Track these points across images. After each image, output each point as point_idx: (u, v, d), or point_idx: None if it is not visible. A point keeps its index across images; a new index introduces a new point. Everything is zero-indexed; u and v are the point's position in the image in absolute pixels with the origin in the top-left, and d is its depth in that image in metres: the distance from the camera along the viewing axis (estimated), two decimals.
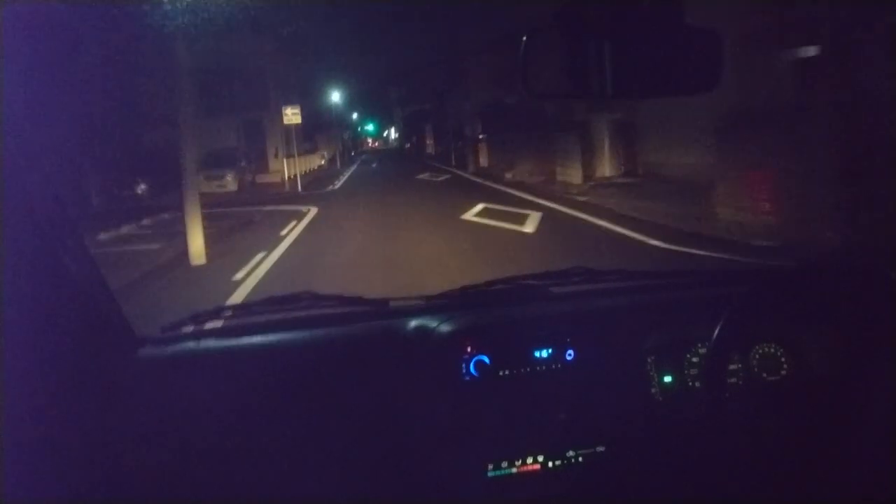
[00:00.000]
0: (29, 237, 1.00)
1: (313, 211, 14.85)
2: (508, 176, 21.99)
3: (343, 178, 27.08)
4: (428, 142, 54.67)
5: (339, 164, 39.58)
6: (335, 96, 44.71)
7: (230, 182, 22.09)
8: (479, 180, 21.72)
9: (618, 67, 1.19)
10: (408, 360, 1.35)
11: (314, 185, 23.85)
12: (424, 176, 25.00)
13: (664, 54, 1.21)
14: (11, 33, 0.96)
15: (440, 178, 23.46)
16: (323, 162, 37.05)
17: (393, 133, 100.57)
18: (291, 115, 21.92)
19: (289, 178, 22.62)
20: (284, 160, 23.32)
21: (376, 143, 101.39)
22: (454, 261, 8.14)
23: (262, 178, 25.44)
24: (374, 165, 39.39)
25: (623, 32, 1.19)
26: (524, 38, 1.18)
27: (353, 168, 37.12)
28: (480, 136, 27.88)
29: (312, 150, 38.18)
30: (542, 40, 1.21)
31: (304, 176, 26.56)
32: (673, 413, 1.38)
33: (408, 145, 73.18)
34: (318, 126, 43.44)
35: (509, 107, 24.33)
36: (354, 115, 74.21)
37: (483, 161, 26.71)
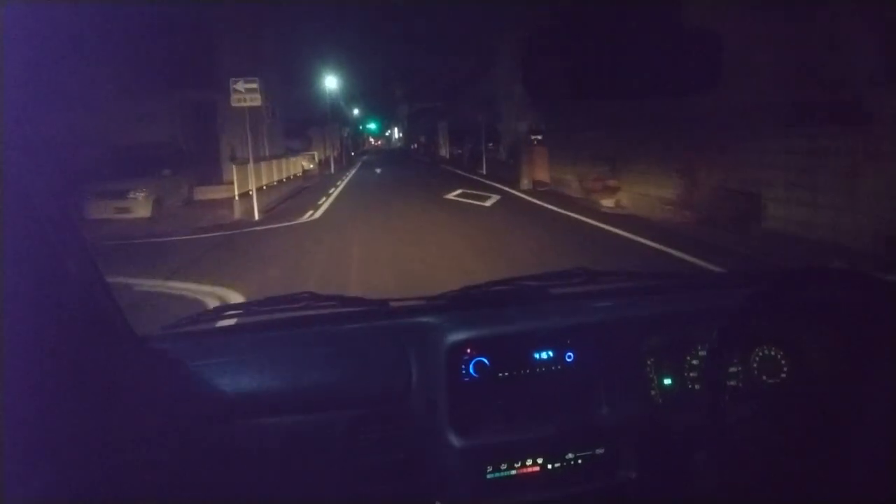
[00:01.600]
0: (30, 237, 0.98)
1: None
2: (608, 204, 12.83)
3: (333, 195, 17.91)
4: (441, 142, 45.69)
5: (332, 167, 30.40)
6: (331, 83, 35.43)
7: (140, 203, 12.93)
8: (559, 209, 12.58)
9: (618, 67, 1.20)
10: (407, 361, 1.32)
11: (284, 209, 14.73)
12: (457, 195, 15.85)
13: (663, 55, 1.20)
14: (11, 33, 0.93)
15: (487, 203, 14.30)
16: (311, 165, 27.90)
17: (396, 133, 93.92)
18: (246, 94, 12.78)
19: (250, 191, 13.58)
20: (234, 168, 14.04)
21: (379, 142, 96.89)
22: None
23: (207, 194, 16.22)
24: (377, 171, 30.06)
25: (624, 33, 1.23)
26: (526, 40, 1.21)
27: (350, 175, 27.91)
28: (535, 137, 18.75)
29: (304, 149, 29.15)
30: (543, 40, 1.22)
31: (277, 186, 17.42)
32: (672, 415, 1.35)
33: (414, 146, 65.95)
34: (313, 121, 34.50)
35: (589, 89, 15.01)
36: (355, 112, 65.41)
37: (541, 173, 17.56)
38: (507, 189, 17.17)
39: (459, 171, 26.82)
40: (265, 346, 1.35)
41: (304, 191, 19.80)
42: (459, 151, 39.79)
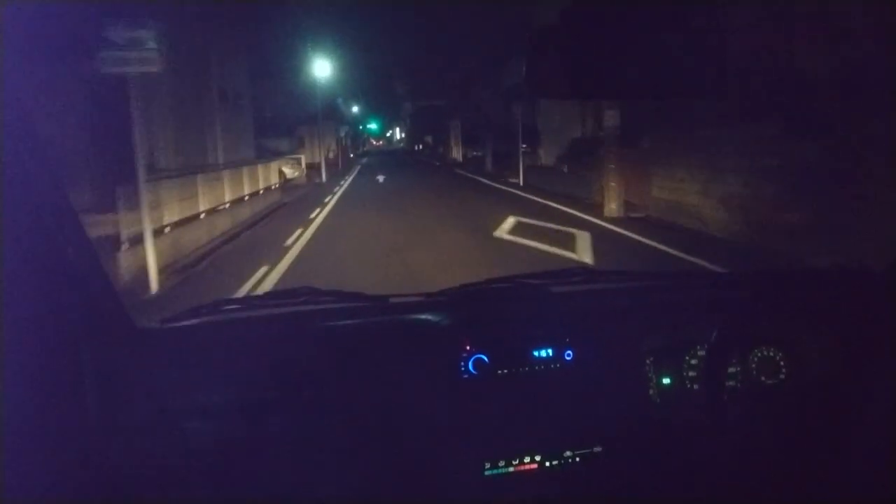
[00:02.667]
0: (30, 228, 0.96)
1: None
2: None
3: (315, 222, 11.55)
4: (452, 143, 39.44)
5: (324, 174, 24.05)
6: (325, 72, 28.94)
7: None
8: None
9: (623, 68, 1.15)
10: (406, 357, 1.30)
11: (221, 260, 8.44)
12: (513, 231, 9.51)
13: (669, 55, 1.17)
14: (13, 27, 0.90)
15: (583, 255, 7.95)
16: (296, 173, 21.60)
17: (398, 133, 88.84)
18: (130, 51, 6.49)
19: (165, 226, 7.39)
20: (144, 184, 7.59)
21: (380, 143, 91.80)
22: None
23: (102, 227, 9.80)
24: (380, 179, 23.49)
25: (628, 33, 1.16)
26: (529, 39, 1.15)
27: (345, 184, 21.57)
28: (648, 144, 12.39)
29: (291, 151, 22.94)
30: (547, 40, 1.16)
31: (230, 209, 11.24)
32: (671, 414, 1.33)
33: (418, 146, 60.18)
34: (305, 119, 28.39)
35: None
36: (354, 109, 59.38)
37: (633, 191, 11.20)
38: (580, 215, 10.89)
39: (485, 181, 20.52)
40: (264, 341, 1.31)
41: (273, 214, 13.50)
42: (477, 153, 33.69)
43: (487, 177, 22.11)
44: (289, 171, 21.27)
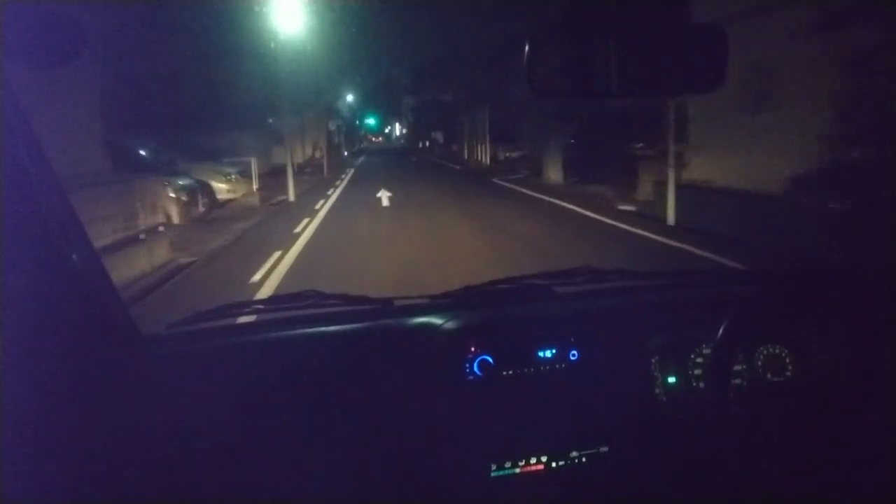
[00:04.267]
0: (35, 234, 0.95)
1: None
2: None
3: None
4: (475, 142, 30.19)
5: (292, 189, 14.63)
6: (292, 21, 19.43)
7: None
8: None
9: (623, 66, 1.13)
10: (411, 359, 1.29)
11: None
12: None
13: (670, 52, 1.16)
14: (13, 29, 0.89)
15: None
16: (236, 192, 12.27)
17: (398, 129, 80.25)
18: None
19: None
20: None
21: (379, 139, 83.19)
22: None
23: None
24: (384, 200, 13.51)
25: (629, 31, 1.15)
26: (529, 38, 1.13)
27: (323, 210, 12.25)
28: None
29: (260, 151, 13.78)
30: (548, 39, 1.16)
31: None
32: (676, 414, 1.31)
33: (424, 143, 51.20)
34: (284, 110, 19.23)
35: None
36: (349, 98, 50.26)
37: None
38: None
39: (576, 209, 11.25)
40: (270, 345, 1.29)
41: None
42: (510, 155, 24.59)
43: (563, 197, 12.80)
44: (223, 188, 12.00)
